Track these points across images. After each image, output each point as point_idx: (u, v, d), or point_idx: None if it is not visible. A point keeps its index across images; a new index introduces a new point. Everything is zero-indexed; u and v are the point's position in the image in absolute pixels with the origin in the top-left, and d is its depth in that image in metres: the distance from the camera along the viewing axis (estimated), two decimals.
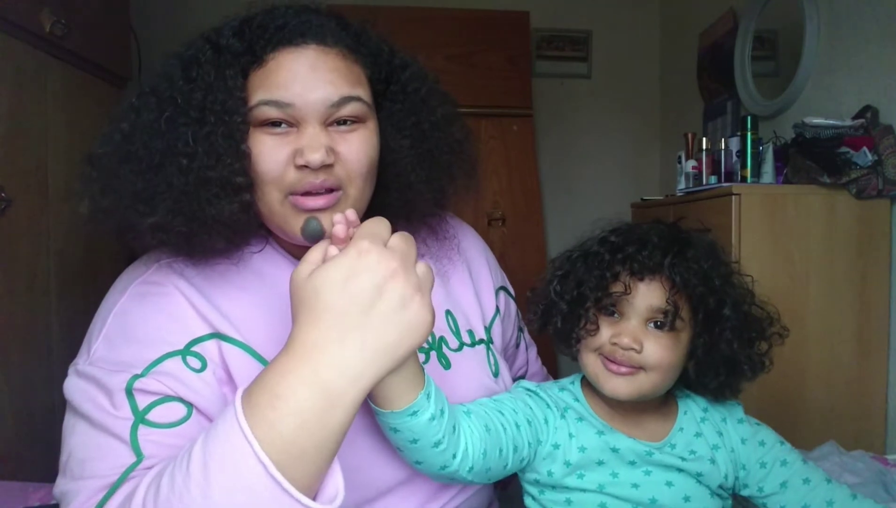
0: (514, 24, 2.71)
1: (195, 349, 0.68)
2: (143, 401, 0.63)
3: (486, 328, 0.90)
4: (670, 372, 0.77)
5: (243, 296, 0.73)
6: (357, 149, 0.71)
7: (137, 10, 2.08)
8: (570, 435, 0.79)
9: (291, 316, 0.57)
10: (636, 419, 0.80)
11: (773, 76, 2.21)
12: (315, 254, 0.59)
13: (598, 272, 0.78)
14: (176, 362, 0.66)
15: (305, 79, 0.68)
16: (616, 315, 0.77)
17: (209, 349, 0.68)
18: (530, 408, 0.80)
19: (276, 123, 0.69)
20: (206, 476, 0.50)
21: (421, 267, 0.58)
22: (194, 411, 0.65)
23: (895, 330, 1.60)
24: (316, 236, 0.65)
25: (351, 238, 0.58)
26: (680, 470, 0.77)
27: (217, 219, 0.67)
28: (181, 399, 0.65)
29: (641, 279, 0.76)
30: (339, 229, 0.60)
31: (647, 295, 0.75)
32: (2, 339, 1.30)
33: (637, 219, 2.31)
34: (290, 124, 0.69)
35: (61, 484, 0.63)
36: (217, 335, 0.69)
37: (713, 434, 0.81)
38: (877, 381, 1.61)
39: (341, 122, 0.71)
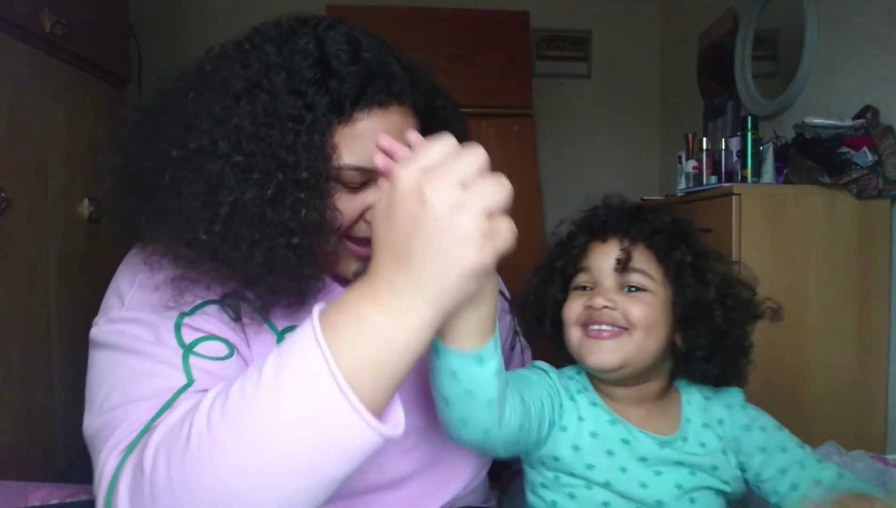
0: (514, 24, 2.71)
1: (228, 301, 0.70)
2: (189, 336, 0.65)
3: None
4: (653, 332, 0.76)
5: None
6: None
7: (137, 10, 2.08)
8: (580, 419, 0.78)
9: None
10: (642, 411, 0.80)
11: (773, 76, 2.21)
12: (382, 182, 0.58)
13: (566, 243, 0.82)
14: (216, 308, 0.68)
15: None
16: (589, 289, 0.79)
17: (236, 303, 0.70)
18: (549, 386, 0.79)
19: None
20: (277, 386, 0.50)
21: (490, 184, 0.51)
22: (236, 352, 0.67)
23: (895, 330, 1.60)
24: None
25: None
26: (693, 470, 0.76)
27: (313, 281, 0.69)
28: (225, 341, 0.67)
29: (604, 240, 0.79)
30: (379, 161, 0.57)
31: (609, 253, 0.78)
32: (2, 339, 1.30)
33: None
34: (365, 181, 0.70)
35: (97, 420, 0.61)
36: (236, 294, 0.71)
37: (715, 424, 0.80)
38: (877, 381, 1.61)
39: None
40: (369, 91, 0.67)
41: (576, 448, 0.76)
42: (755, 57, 2.27)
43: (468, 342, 0.61)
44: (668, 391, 0.82)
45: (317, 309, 0.53)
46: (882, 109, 1.62)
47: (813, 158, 1.59)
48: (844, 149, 1.55)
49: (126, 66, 1.91)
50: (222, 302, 0.69)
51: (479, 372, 0.62)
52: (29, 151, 1.41)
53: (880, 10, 1.65)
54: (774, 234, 1.59)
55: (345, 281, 0.79)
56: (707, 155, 1.99)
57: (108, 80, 1.79)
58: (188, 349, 0.64)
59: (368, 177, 0.69)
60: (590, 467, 0.75)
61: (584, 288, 0.80)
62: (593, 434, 0.77)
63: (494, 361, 0.63)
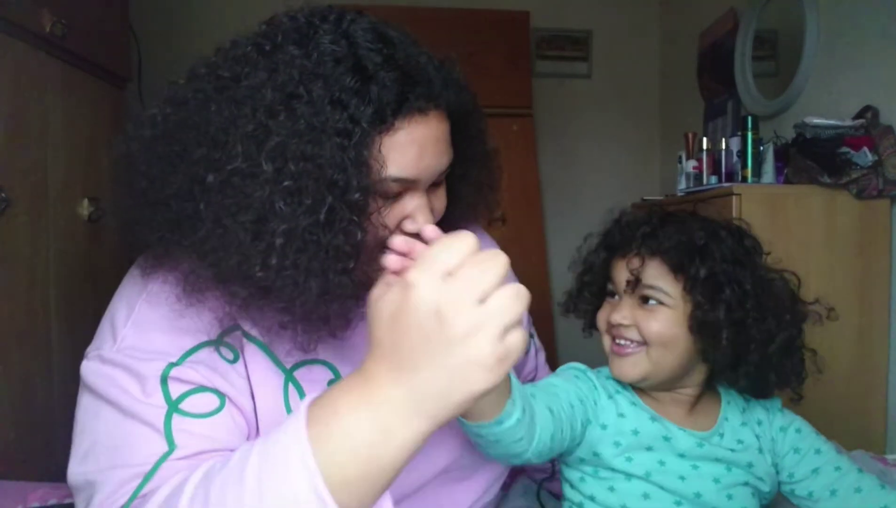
0: (514, 24, 2.71)
1: (227, 338, 0.67)
2: (177, 390, 0.62)
3: None
4: (671, 347, 0.77)
5: None
6: (442, 203, 0.74)
7: (137, 10, 2.08)
8: (620, 415, 0.80)
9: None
10: (682, 409, 0.82)
11: (773, 76, 2.21)
12: (389, 276, 0.53)
13: (590, 258, 0.85)
14: (210, 352, 0.65)
15: (432, 154, 0.66)
16: (616, 297, 0.81)
17: (237, 339, 0.68)
18: (580, 388, 0.81)
19: None
20: (260, 494, 0.47)
21: (509, 298, 0.48)
22: (227, 402, 0.64)
23: (895, 330, 1.60)
24: None
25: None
26: (729, 466, 0.78)
27: (363, 303, 0.66)
28: (215, 391, 0.64)
29: (623, 256, 0.80)
30: (392, 262, 0.54)
31: (625, 270, 0.79)
32: (2, 339, 1.30)
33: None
34: (402, 191, 0.67)
35: (82, 473, 0.61)
36: (239, 328, 0.68)
37: (754, 424, 0.83)
38: (877, 381, 1.61)
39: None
40: (411, 98, 0.63)
41: (617, 444, 0.78)
42: (755, 57, 2.27)
43: (486, 415, 0.63)
44: (708, 393, 0.83)
45: (304, 408, 0.50)
46: (882, 109, 1.62)
47: (813, 157, 1.59)
48: (844, 149, 1.55)
49: (126, 66, 1.91)
50: (219, 342, 0.66)
51: (501, 429, 0.64)
52: (29, 151, 1.41)
53: (880, 10, 1.65)
54: (774, 234, 1.58)
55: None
56: (707, 155, 1.99)
57: (108, 80, 1.78)
58: (173, 407, 0.61)
59: (406, 186, 0.67)
60: (629, 459, 0.78)
61: (612, 295, 0.82)
62: (635, 432, 0.79)
63: (514, 415, 0.64)
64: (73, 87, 1.59)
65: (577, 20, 3.06)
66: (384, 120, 0.62)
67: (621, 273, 0.80)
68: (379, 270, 0.68)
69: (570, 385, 0.80)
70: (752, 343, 0.76)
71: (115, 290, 0.73)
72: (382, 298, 0.49)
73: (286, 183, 0.58)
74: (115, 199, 0.70)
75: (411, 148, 0.64)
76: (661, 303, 0.77)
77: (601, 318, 0.83)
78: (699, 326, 0.76)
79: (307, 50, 0.62)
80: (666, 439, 0.78)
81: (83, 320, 1.55)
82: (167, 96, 0.67)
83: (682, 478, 0.77)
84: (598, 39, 3.08)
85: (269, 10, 0.72)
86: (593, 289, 0.85)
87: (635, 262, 0.77)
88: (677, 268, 0.76)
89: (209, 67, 0.65)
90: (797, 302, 0.81)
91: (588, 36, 3.07)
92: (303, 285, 0.60)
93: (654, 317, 0.77)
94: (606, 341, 0.82)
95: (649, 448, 0.78)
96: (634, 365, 0.78)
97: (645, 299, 0.78)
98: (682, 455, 0.78)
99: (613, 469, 0.78)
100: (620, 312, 0.79)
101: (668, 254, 0.76)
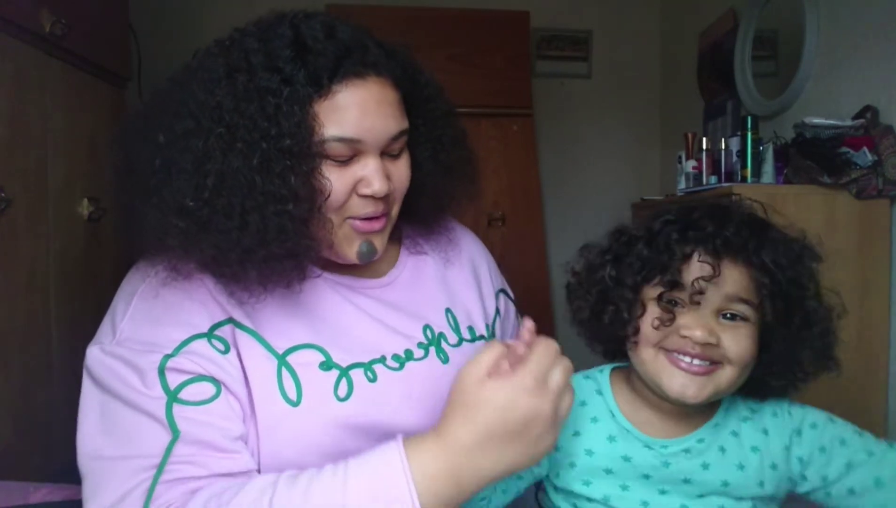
0: (514, 24, 2.70)
1: (217, 332, 0.70)
2: (174, 380, 0.66)
3: (487, 326, 0.91)
4: (747, 369, 0.69)
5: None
6: (404, 174, 0.77)
7: (137, 10, 2.08)
8: (576, 433, 0.75)
9: (447, 400, 0.62)
10: (675, 419, 0.74)
11: (773, 76, 2.21)
12: (488, 357, 0.62)
13: (667, 254, 0.68)
14: (202, 343, 0.69)
15: (374, 115, 0.71)
16: (680, 305, 0.69)
17: (227, 332, 0.71)
18: None
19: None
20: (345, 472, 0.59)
21: (567, 400, 0.63)
22: (223, 389, 0.68)
23: (895, 331, 1.60)
24: (370, 258, 0.75)
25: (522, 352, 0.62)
26: (702, 493, 0.71)
27: (310, 253, 0.71)
28: (211, 379, 0.67)
29: (718, 260, 0.67)
30: (521, 350, 0.63)
31: (729, 280, 0.66)
32: (2, 339, 1.30)
33: (638, 219, 2.31)
34: (351, 154, 0.71)
35: (87, 455, 0.64)
36: (231, 321, 0.71)
37: (756, 434, 0.73)
38: (877, 381, 1.61)
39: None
40: (346, 63, 0.69)
41: (572, 465, 0.74)
42: (755, 57, 2.27)
43: None
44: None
45: (402, 442, 0.61)
46: (882, 109, 1.62)
47: (813, 158, 1.59)
48: (844, 149, 1.55)
49: (126, 66, 1.91)
50: (210, 335, 0.69)
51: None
52: (29, 151, 1.41)
53: (880, 10, 1.65)
54: None
55: (333, 265, 0.79)
56: (707, 155, 1.99)
57: (108, 80, 1.78)
58: (172, 396, 0.65)
59: (355, 150, 0.71)
60: (587, 483, 0.73)
61: (670, 302, 0.69)
62: (589, 452, 0.73)
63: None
64: (73, 87, 1.59)
65: (577, 20, 3.06)
66: (321, 84, 0.68)
67: (713, 285, 0.66)
68: (338, 235, 0.73)
69: None
70: (821, 359, 0.71)
71: (115, 289, 0.76)
72: (499, 389, 0.59)
73: (219, 130, 0.66)
74: (115, 186, 0.76)
75: (351, 109, 0.69)
76: (743, 318, 0.67)
77: (653, 329, 0.69)
78: (788, 344, 0.69)
79: (259, 38, 0.70)
80: (626, 459, 0.72)
81: (83, 320, 1.55)
82: (152, 91, 0.76)
83: (646, 504, 0.71)
84: (598, 39, 3.08)
85: (268, 10, 0.74)
86: (645, 282, 0.69)
87: (753, 279, 0.66)
88: (780, 289, 0.67)
89: (186, 63, 0.73)
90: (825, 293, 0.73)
91: (588, 36, 3.07)
92: (239, 220, 0.66)
93: (741, 334, 0.67)
94: (651, 353, 0.69)
95: (608, 471, 0.72)
96: (704, 387, 0.67)
97: (724, 314, 0.67)
98: (646, 477, 0.71)
99: (571, 492, 0.74)
100: (704, 326, 0.66)
101: (779, 273, 0.67)
